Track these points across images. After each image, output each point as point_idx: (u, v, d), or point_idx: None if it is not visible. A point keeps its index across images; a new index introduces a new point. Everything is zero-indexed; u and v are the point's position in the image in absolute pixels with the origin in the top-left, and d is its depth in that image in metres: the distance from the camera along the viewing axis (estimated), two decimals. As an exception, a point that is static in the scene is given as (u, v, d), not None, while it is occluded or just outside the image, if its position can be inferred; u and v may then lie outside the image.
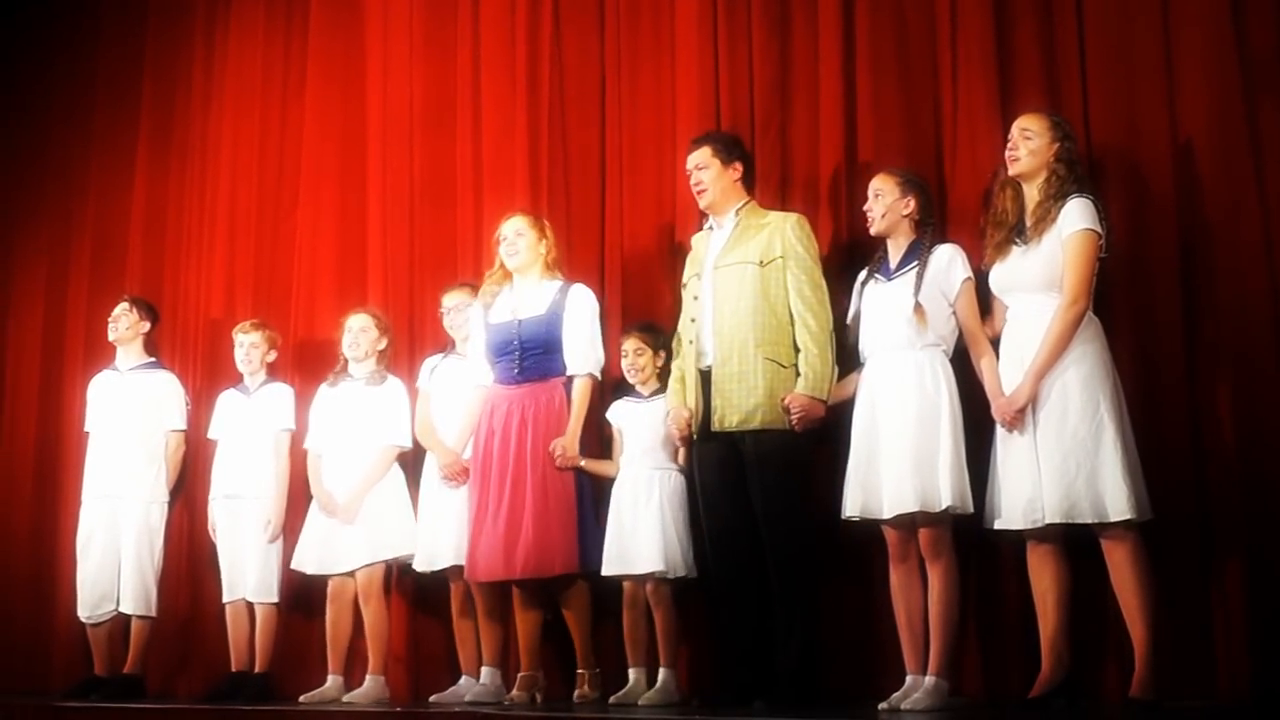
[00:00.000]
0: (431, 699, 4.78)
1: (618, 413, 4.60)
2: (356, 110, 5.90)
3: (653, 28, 5.13)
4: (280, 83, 6.17)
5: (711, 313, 4.17)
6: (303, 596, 5.37)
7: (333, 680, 5.00)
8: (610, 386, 4.76)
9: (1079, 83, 4.18)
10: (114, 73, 6.75)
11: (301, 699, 4.93)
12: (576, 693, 4.48)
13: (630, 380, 4.59)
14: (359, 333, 5.15)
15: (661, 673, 4.36)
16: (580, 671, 4.51)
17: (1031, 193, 3.83)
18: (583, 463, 4.51)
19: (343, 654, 5.04)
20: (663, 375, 4.56)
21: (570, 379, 4.58)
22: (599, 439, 4.70)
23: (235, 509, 5.34)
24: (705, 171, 4.29)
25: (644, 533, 4.35)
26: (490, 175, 5.45)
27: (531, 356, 4.58)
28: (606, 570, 4.40)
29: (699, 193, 4.32)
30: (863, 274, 4.15)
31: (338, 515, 5.01)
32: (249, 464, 5.35)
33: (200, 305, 6.14)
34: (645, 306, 4.88)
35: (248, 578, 5.28)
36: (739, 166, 4.33)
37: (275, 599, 5.29)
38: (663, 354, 4.56)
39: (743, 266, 4.15)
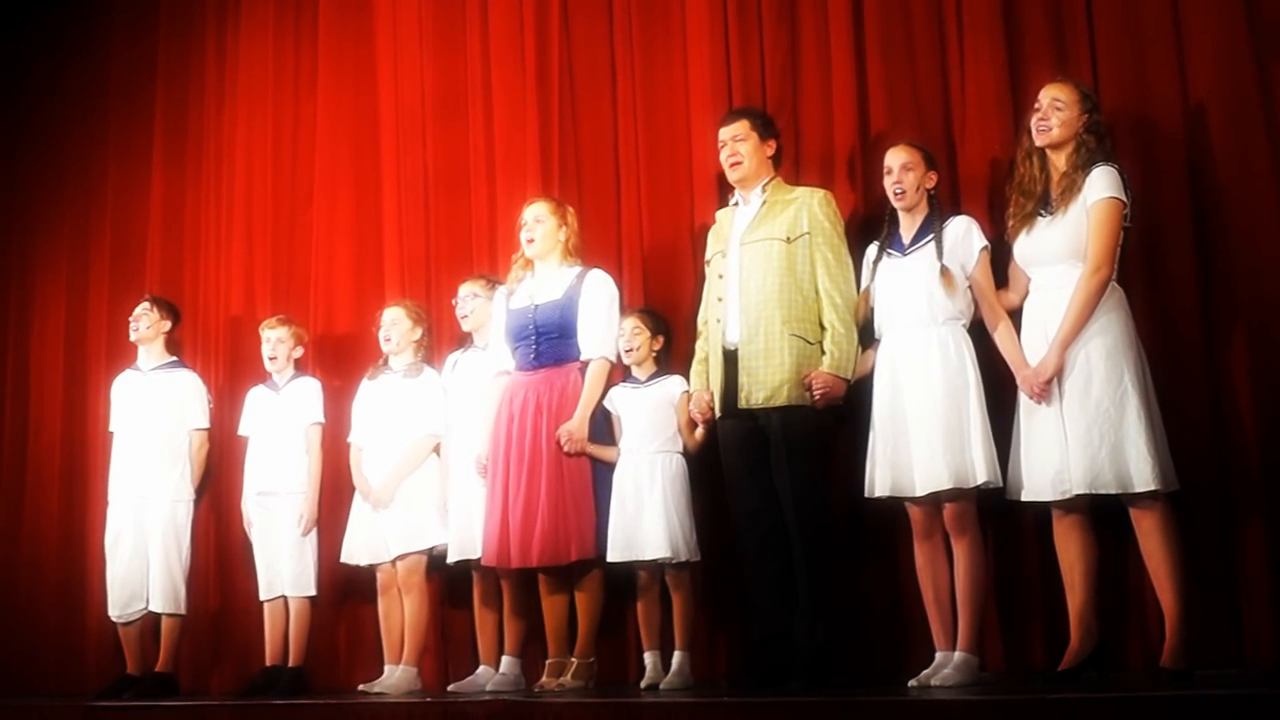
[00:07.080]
0: (450, 688, 4.79)
1: (616, 398, 4.57)
2: (368, 104, 5.90)
3: (662, 13, 5.10)
4: (292, 79, 6.19)
5: (737, 289, 4.16)
6: (338, 591, 5.40)
7: (389, 670, 4.99)
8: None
9: (1088, 49, 4.14)
10: (127, 75, 6.78)
11: (360, 688, 4.93)
12: (555, 680, 4.38)
13: (624, 360, 4.57)
14: (390, 325, 5.16)
15: (677, 655, 4.35)
16: (573, 660, 4.45)
17: (1058, 162, 3.80)
18: (590, 447, 4.49)
19: (398, 644, 5.01)
20: (659, 359, 4.57)
21: (586, 364, 4.57)
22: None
23: (269, 505, 5.36)
24: (744, 144, 4.28)
25: (649, 518, 4.33)
26: (503, 165, 5.44)
27: (547, 341, 4.58)
28: (612, 557, 4.37)
29: (733, 164, 4.29)
30: (872, 250, 4.12)
31: (370, 499, 5.02)
32: (281, 459, 5.37)
33: (220, 303, 6.17)
34: (663, 294, 4.86)
35: (283, 573, 5.30)
36: (773, 144, 4.34)
37: (312, 592, 5.30)
38: (661, 339, 4.56)
39: (769, 243, 4.15)
